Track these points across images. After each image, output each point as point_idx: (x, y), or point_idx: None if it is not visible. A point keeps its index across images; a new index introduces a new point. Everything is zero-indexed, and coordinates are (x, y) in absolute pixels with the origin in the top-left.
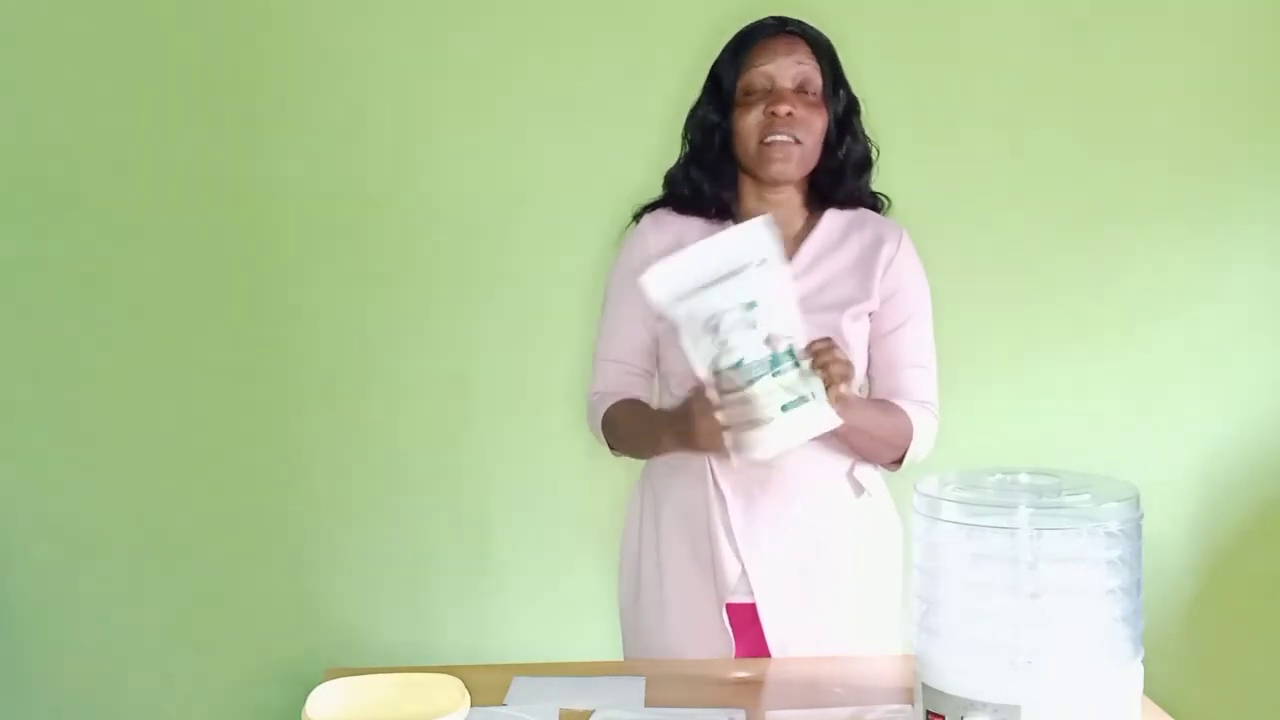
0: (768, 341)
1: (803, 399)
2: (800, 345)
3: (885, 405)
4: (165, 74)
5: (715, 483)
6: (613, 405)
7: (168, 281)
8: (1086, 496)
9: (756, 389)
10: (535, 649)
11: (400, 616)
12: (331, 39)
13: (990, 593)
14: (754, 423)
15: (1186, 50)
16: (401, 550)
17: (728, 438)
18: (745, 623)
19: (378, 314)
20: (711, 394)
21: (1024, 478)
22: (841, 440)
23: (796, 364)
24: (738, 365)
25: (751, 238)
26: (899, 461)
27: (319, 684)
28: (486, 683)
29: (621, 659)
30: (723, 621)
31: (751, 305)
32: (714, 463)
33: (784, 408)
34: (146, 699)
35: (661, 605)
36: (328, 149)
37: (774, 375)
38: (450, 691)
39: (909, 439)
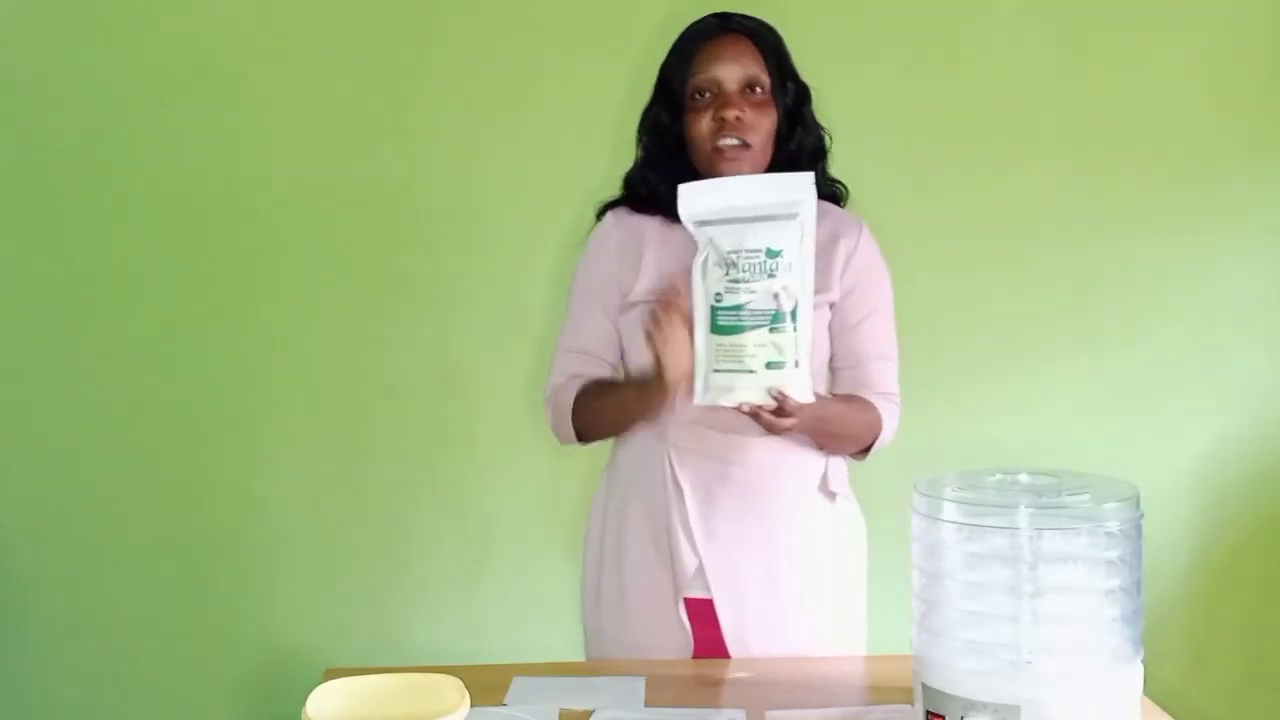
0: (776, 296)
1: (792, 364)
2: (806, 309)
3: (853, 402)
4: (153, 71)
5: (674, 477)
6: (584, 384)
7: (166, 283)
8: (1086, 496)
9: (749, 338)
10: (535, 649)
11: (400, 616)
12: (313, 43)
13: (990, 593)
14: (734, 371)
15: (1186, 48)
16: (402, 549)
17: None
18: (705, 618)
19: (376, 314)
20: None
21: (1024, 478)
22: (809, 436)
23: (795, 327)
24: (739, 308)
25: (798, 190)
26: (865, 451)
27: (318, 684)
28: (486, 682)
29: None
30: (680, 616)
31: (776, 254)
32: (673, 458)
33: (768, 364)
34: (147, 699)
35: (621, 599)
36: (308, 151)
37: (771, 330)
38: (450, 691)
39: (877, 432)
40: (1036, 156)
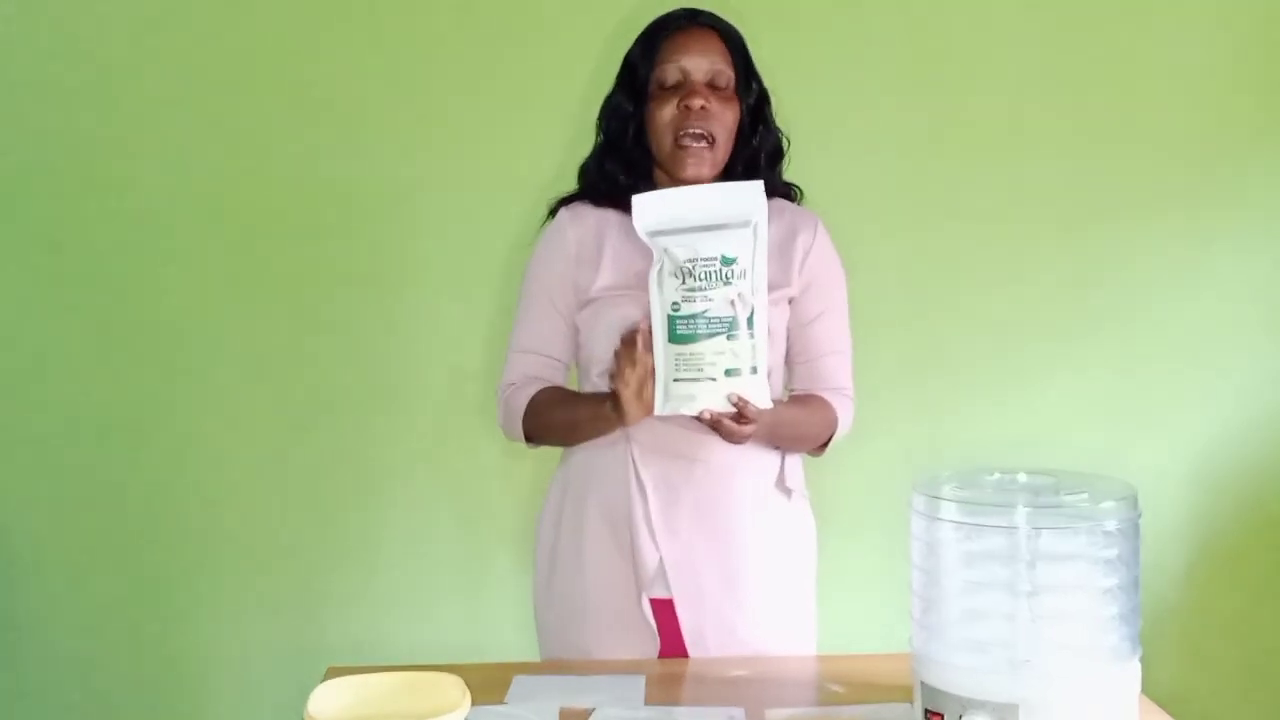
0: (733, 302)
1: (750, 370)
2: (761, 315)
3: (808, 403)
4: (140, 71)
5: (638, 476)
6: (540, 391)
7: (166, 284)
8: (1084, 495)
9: (707, 346)
10: (535, 648)
11: (401, 614)
12: (251, 37)
13: (989, 591)
14: (694, 379)
15: (1183, 44)
16: (402, 548)
17: (647, 395)
18: (664, 618)
19: (375, 314)
20: (639, 350)
21: (1022, 477)
22: (769, 441)
23: (752, 334)
24: (697, 316)
25: (748, 198)
26: (823, 447)
27: (320, 682)
28: (487, 681)
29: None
30: (644, 614)
31: (730, 262)
32: (636, 456)
33: (727, 372)
34: (147, 698)
35: (581, 597)
36: (289, 153)
37: (728, 337)
38: (451, 690)
39: (833, 430)
40: (1034, 157)
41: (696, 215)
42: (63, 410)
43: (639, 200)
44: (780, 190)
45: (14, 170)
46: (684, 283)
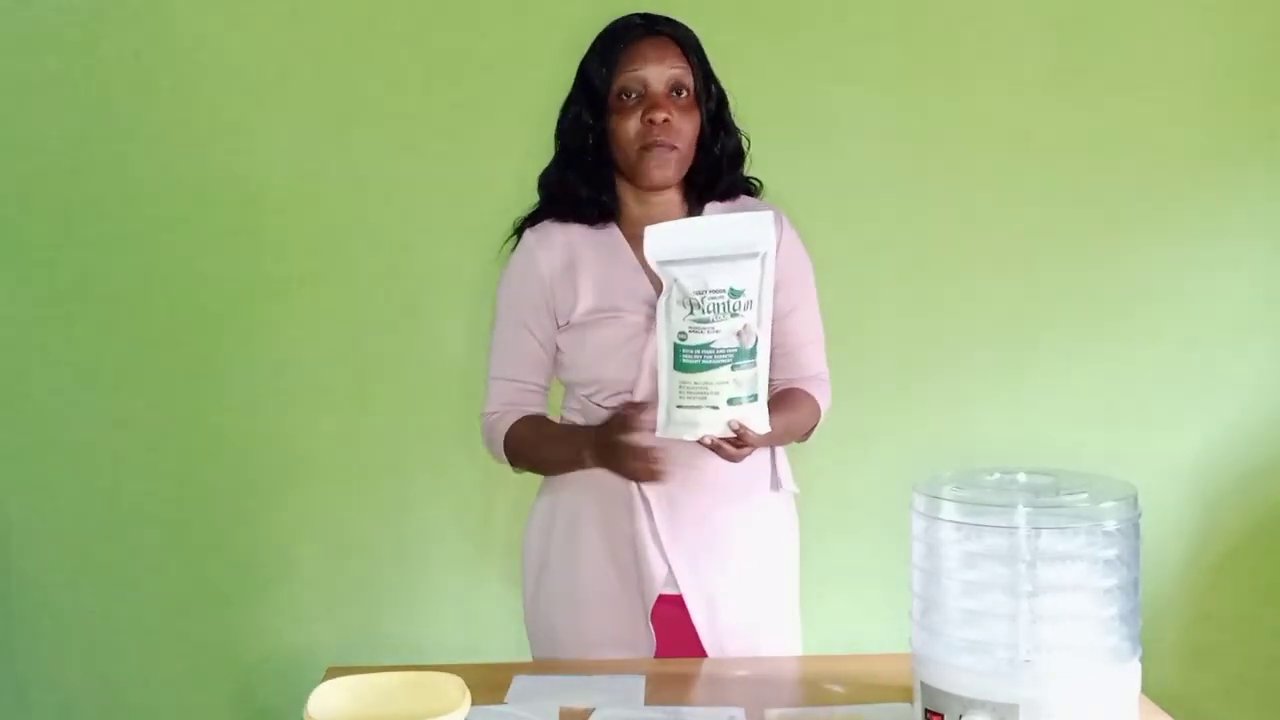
0: (739, 334)
1: (750, 397)
2: (764, 343)
3: (796, 404)
4: (146, 70)
5: (640, 490)
6: (516, 422)
7: (169, 283)
8: (1084, 496)
9: (713, 376)
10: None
11: (401, 615)
12: (210, 36)
13: (989, 591)
14: (698, 407)
15: (1181, 57)
16: (402, 549)
17: (649, 457)
18: (675, 612)
19: (375, 314)
20: (633, 418)
21: (1022, 477)
22: (765, 445)
23: (754, 362)
24: (704, 347)
25: (758, 230)
26: (809, 433)
27: (320, 682)
28: (487, 681)
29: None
30: (646, 625)
31: (738, 294)
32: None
33: (730, 400)
34: (147, 699)
35: (576, 609)
36: (296, 154)
37: (733, 368)
38: (451, 690)
39: (818, 418)
40: (1035, 162)
41: (706, 246)
42: (63, 411)
43: (651, 231)
44: (742, 189)
45: (35, 176)
46: (691, 313)
